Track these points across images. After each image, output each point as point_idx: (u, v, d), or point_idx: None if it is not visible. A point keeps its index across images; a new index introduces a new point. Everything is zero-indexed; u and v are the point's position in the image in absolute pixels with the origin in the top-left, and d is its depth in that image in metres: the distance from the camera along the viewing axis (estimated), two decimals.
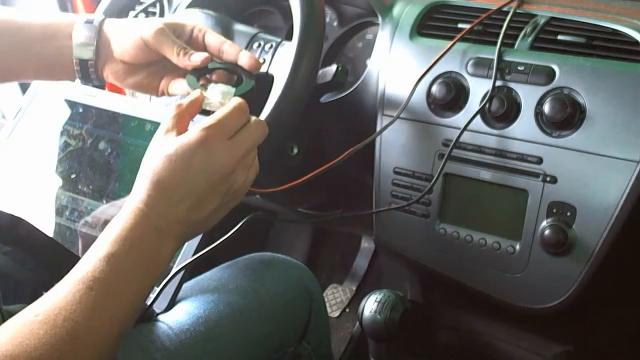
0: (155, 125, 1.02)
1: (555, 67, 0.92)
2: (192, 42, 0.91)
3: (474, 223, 1.00)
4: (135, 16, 1.24)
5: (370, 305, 1.02)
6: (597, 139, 0.89)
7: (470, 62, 0.98)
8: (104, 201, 1.00)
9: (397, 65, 1.05)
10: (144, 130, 1.02)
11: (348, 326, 1.55)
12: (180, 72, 0.92)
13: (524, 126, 0.94)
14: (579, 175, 0.90)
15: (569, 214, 0.91)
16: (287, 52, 0.94)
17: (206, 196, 0.71)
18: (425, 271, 1.07)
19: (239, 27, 1.10)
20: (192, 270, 0.91)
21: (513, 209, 0.96)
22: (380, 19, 1.10)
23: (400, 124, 1.03)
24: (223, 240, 0.90)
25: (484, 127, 0.97)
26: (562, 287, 0.94)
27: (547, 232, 0.92)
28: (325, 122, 1.15)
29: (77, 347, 0.60)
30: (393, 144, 1.04)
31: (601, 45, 0.93)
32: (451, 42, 0.99)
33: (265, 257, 1.01)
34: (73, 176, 1.01)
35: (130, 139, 1.01)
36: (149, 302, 0.85)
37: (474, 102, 0.97)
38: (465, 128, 0.96)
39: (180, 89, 0.91)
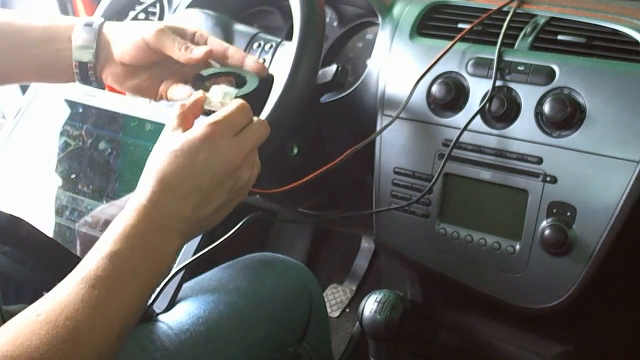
0: (156, 125, 1.02)
1: (555, 67, 0.92)
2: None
3: (474, 223, 1.00)
4: (135, 16, 1.24)
5: (370, 305, 1.02)
6: (597, 139, 0.89)
7: (470, 62, 0.98)
8: (104, 201, 1.00)
9: (397, 65, 1.05)
10: (144, 130, 1.02)
11: (348, 326, 1.55)
12: (180, 77, 0.92)
13: (524, 126, 0.94)
14: (579, 175, 0.90)
15: (569, 214, 0.91)
16: (287, 52, 0.94)
17: (211, 193, 0.70)
18: (425, 271, 1.07)
19: (239, 27, 1.10)
20: (192, 270, 0.91)
21: (513, 209, 0.96)
22: (380, 19, 1.10)
23: (400, 124, 1.03)
24: (223, 240, 0.90)
25: (484, 127, 0.97)
26: (562, 287, 0.94)
27: (547, 232, 0.92)
28: (325, 122, 1.15)
29: (79, 347, 0.60)
30: (393, 144, 1.04)
31: (601, 45, 0.93)
32: (451, 42, 0.99)
33: (265, 258, 1.01)
34: (73, 176, 1.01)
35: (131, 139, 1.01)
36: (149, 302, 0.85)
37: (474, 102, 0.97)
38: (465, 128, 0.96)
39: (180, 94, 0.90)
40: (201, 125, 0.70)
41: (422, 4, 1.07)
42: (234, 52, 0.90)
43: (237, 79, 0.90)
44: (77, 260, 0.73)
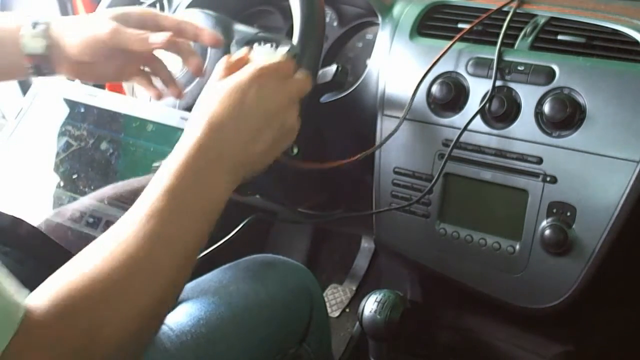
0: (157, 125, 1.02)
1: (555, 67, 0.92)
2: (147, 27, 0.91)
3: (474, 223, 1.00)
4: None
5: (370, 305, 1.02)
6: (597, 139, 0.89)
7: (470, 62, 0.98)
8: (105, 202, 1.00)
9: (397, 65, 1.05)
10: (145, 130, 1.02)
11: (348, 326, 1.55)
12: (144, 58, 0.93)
13: (524, 126, 0.94)
14: (579, 175, 0.90)
15: (569, 214, 0.91)
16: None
17: (259, 132, 0.72)
18: (425, 271, 1.07)
19: (239, 27, 1.10)
20: (193, 271, 0.91)
21: (513, 209, 0.96)
22: (380, 19, 1.10)
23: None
24: (224, 242, 0.90)
25: (484, 127, 0.97)
26: (562, 287, 0.94)
27: (547, 232, 0.92)
28: (325, 122, 1.15)
29: (136, 283, 0.60)
30: (393, 144, 1.04)
31: (601, 45, 0.93)
32: (451, 42, 0.99)
33: (266, 259, 1.01)
34: (74, 176, 1.01)
35: (132, 139, 1.01)
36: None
37: (474, 102, 0.97)
38: (465, 128, 0.96)
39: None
40: (249, 68, 0.73)
41: (422, 4, 1.07)
42: (186, 25, 0.91)
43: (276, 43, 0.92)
44: (71, 254, 0.73)
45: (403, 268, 1.21)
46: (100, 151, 1.00)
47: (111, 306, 0.59)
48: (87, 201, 0.98)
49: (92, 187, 1.00)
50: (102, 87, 1.19)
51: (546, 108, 0.91)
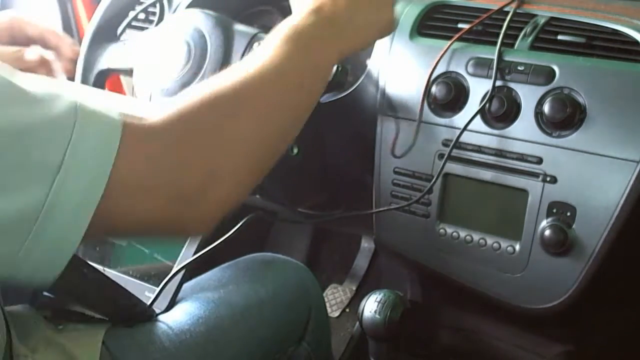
0: None
1: (555, 67, 0.92)
2: (15, 35, 0.91)
3: (474, 223, 1.00)
4: (135, 16, 1.24)
5: (370, 305, 1.02)
6: (597, 139, 0.89)
7: (470, 62, 0.98)
8: None
9: (397, 65, 1.04)
10: None
11: (348, 326, 1.55)
12: None
13: (524, 126, 0.94)
14: (579, 175, 0.90)
15: (569, 214, 0.91)
16: None
17: (361, 5, 0.79)
18: (425, 271, 1.07)
19: (239, 27, 1.10)
20: (193, 270, 0.91)
21: (513, 209, 0.96)
22: None
23: (400, 123, 1.03)
24: (223, 240, 0.90)
25: (484, 127, 0.97)
26: (562, 287, 0.94)
27: (547, 232, 0.92)
28: (325, 122, 1.15)
29: (249, 118, 0.65)
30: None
31: (601, 45, 0.93)
32: (450, 42, 0.99)
33: (265, 258, 1.01)
34: None
35: None
36: (148, 302, 0.85)
37: (474, 102, 0.97)
38: (465, 128, 0.96)
39: None
40: None
41: (422, 4, 1.07)
42: (50, 35, 0.93)
43: None
44: (77, 259, 0.73)
45: (403, 268, 1.21)
46: None
47: (224, 135, 0.62)
48: None
49: None
50: (101, 87, 1.19)
51: (546, 108, 0.91)
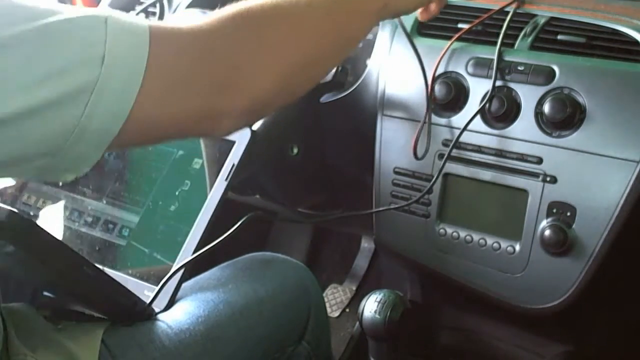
0: None
1: (555, 67, 0.92)
2: None
3: (474, 223, 1.00)
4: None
5: (370, 305, 1.02)
6: (597, 139, 0.89)
7: (471, 62, 0.98)
8: (104, 201, 1.00)
9: (397, 65, 1.04)
10: None
11: (348, 326, 1.55)
12: None
13: (524, 126, 0.94)
14: (579, 175, 0.90)
15: (569, 214, 0.91)
16: None
17: None
18: (425, 271, 1.07)
19: None
20: (192, 269, 0.91)
21: (513, 209, 0.96)
22: None
23: (400, 123, 1.03)
24: (223, 239, 0.90)
25: (484, 127, 0.97)
26: (562, 287, 0.94)
27: (547, 232, 0.92)
28: (325, 122, 1.15)
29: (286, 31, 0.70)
30: (393, 144, 1.04)
31: (601, 45, 0.93)
32: (450, 42, 0.99)
33: (265, 257, 1.01)
34: None
35: None
36: (148, 301, 0.85)
37: (474, 102, 0.97)
38: (465, 128, 0.96)
39: None
40: None
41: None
42: None
43: None
44: (78, 257, 0.73)
45: (403, 268, 1.21)
46: None
47: (256, 37, 0.66)
48: (85, 201, 0.98)
49: (91, 187, 1.01)
50: None
51: (546, 108, 0.91)
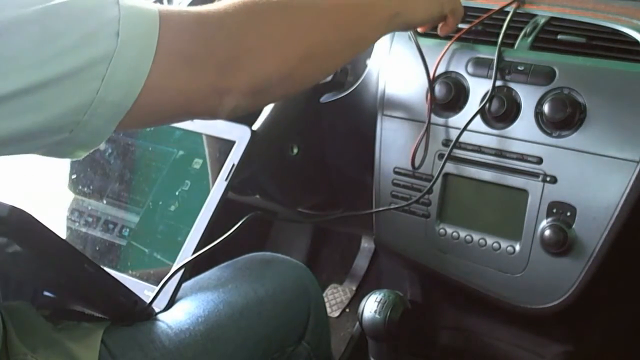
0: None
1: (555, 67, 0.92)
2: None
3: (474, 223, 1.00)
4: None
5: (370, 305, 1.01)
6: (597, 139, 0.89)
7: (470, 62, 0.98)
8: (104, 201, 1.00)
9: (397, 65, 1.04)
10: (144, 130, 1.02)
11: (348, 326, 1.55)
12: None
13: (524, 126, 0.94)
14: (579, 175, 0.90)
15: (569, 214, 0.91)
16: None
17: None
18: (425, 271, 1.07)
19: None
20: (192, 269, 0.91)
21: (513, 209, 0.96)
22: None
23: (400, 123, 1.03)
24: (223, 239, 0.90)
25: (484, 127, 0.97)
26: (562, 287, 0.94)
27: (547, 232, 0.92)
28: (325, 122, 1.15)
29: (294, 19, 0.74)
30: (393, 144, 1.04)
31: (601, 45, 0.93)
32: (450, 42, 0.99)
33: (265, 257, 1.01)
34: (74, 177, 1.01)
35: (130, 139, 1.01)
36: (148, 301, 0.85)
37: (474, 102, 0.97)
38: (465, 128, 0.96)
39: None
40: None
41: None
42: None
43: None
44: (79, 254, 0.73)
45: (403, 268, 1.21)
46: (99, 151, 1.00)
47: (260, 19, 0.69)
48: (86, 201, 0.98)
49: (91, 187, 1.01)
50: None
51: (546, 108, 0.91)
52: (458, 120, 0.98)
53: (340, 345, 1.44)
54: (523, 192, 0.94)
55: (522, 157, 0.94)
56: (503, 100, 0.94)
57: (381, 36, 0.87)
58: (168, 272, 0.88)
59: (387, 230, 1.09)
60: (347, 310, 1.61)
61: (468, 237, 1.00)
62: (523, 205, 0.95)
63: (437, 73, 1.00)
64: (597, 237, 0.90)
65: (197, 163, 0.98)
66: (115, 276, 0.81)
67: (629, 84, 0.88)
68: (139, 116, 0.64)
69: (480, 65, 0.97)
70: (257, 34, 0.69)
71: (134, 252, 0.97)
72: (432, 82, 0.99)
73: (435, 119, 1.00)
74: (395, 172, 1.04)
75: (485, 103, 0.95)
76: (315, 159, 1.18)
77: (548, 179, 0.92)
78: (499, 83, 0.95)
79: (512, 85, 0.95)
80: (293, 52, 0.72)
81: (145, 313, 0.84)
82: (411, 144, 1.02)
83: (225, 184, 0.93)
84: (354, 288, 1.64)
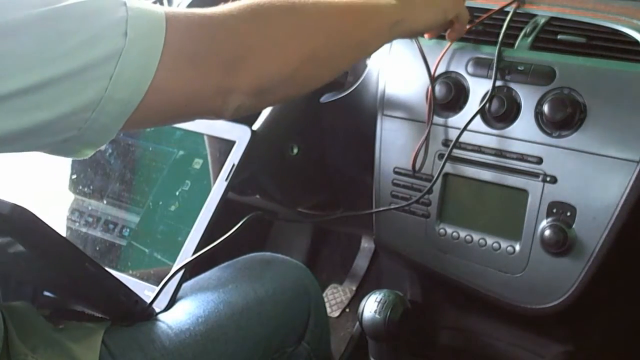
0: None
1: (555, 67, 0.92)
2: None
3: (474, 223, 1.00)
4: None
5: (370, 305, 1.01)
6: (597, 139, 0.89)
7: (470, 62, 0.98)
8: (104, 201, 1.00)
9: (397, 65, 1.05)
10: (144, 131, 1.02)
11: (348, 326, 1.55)
12: None
13: (524, 126, 0.94)
14: (579, 175, 0.90)
15: (569, 214, 0.91)
16: None
17: None
18: (425, 271, 1.07)
19: None
20: (192, 269, 0.91)
21: (513, 209, 0.96)
22: None
23: (400, 123, 1.03)
24: (223, 240, 0.90)
25: (484, 127, 0.97)
26: (562, 287, 0.94)
27: (547, 232, 0.92)
28: (325, 122, 1.15)
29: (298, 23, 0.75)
30: (393, 144, 1.04)
31: (601, 45, 0.93)
32: (450, 42, 0.99)
33: (264, 257, 1.01)
34: (74, 177, 1.01)
35: (130, 139, 1.01)
36: (148, 301, 0.85)
37: (474, 102, 0.97)
38: (465, 128, 0.96)
39: None
40: None
41: None
42: None
43: None
44: (79, 253, 0.73)
45: (403, 268, 1.21)
46: (100, 151, 1.00)
47: (263, 19, 0.70)
48: (86, 201, 0.98)
49: (91, 187, 1.01)
50: None
51: (546, 108, 0.91)
52: (458, 120, 0.98)
53: (340, 345, 1.44)
54: (523, 192, 0.94)
55: (522, 157, 0.94)
56: (503, 100, 0.94)
57: (384, 43, 0.87)
58: (168, 272, 0.88)
59: (387, 230, 1.09)
60: (347, 310, 1.61)
61: (468, 237, 1.00)
62: (523, 206, 0.95)
63: (437, 73, 1.00)
64: (597, 237, 0.90)
65: (197, 163, 0.98)
66: (116, 276, 0.81)
67: (629, 84, 0.88)
68: (146, 115, 0.65)
69: (480, 65, 0.97)
70: (261, 35, 0.70)
71: (134, 252, 0.97)
72: (433, 81, 0.99)
73: (435, 119, 1.00)
74: (395, 172, 1.04)
75: (485, 103, 0.95)
76: (315, 159, 1.18)
77: (548, 179, 0.92)
78: (499, 83, 0.95)
79: (512, 85, 0.95)
80: (295, 54, 0.73)
81: (145, 313, 0.84)
82: (411, 144, 1.02)
83: (225, 184, 0.93)
84: (354, 288, 1.64)
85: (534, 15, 1.00)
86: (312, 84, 0.81)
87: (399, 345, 1.06)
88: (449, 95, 0.98)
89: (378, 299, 1.02)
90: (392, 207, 1.04)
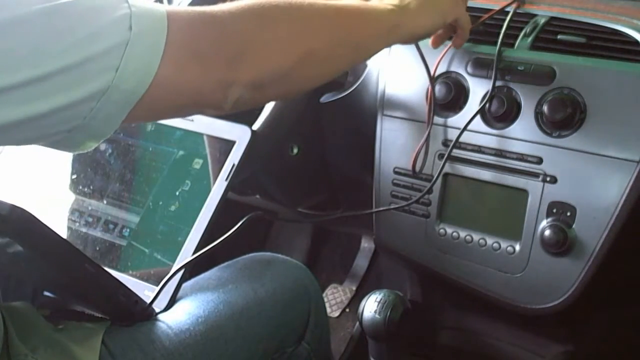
0: (157, 125, 1.02)
1: (555, 67, 0.92)
2: None
3: (474, 223, 1.00)
4: None
5: (370, 305, 1.01)
6: (597, 139, 0.89)
7: (470, 62, 0.98)
8: (104, 201, 1.00)
9: (397, 65, 1.05)
10: (144, 130, 1.03)
11: (348, 326, 1.55)
12: None
13: (524, 126, 0.94)
14: (579, 175, 0.90)
15: (569, 214, 0.91)
16: None
17: None
18: (425, 271, 1.07)
19: None
20: (192, 269, 0.91)
21: (513, 209, 0.96)
22: None
23: (400, 123, 1.03)
24: (223, 240, 0.90)
25: (484, 127, 0.97)
26: (562, 287, 0.94)
27: (547, 232, 0.92)
28: (325, 122, 1.15)
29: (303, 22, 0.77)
30: (393, 144, 1.04)
31: (601, 45, 0.93)
32: (450, 42, 0.99)
33: (264, 257, 1.01)
34: (74, 177, 1.01)
35: (131, 139, 1.01)
36: (148, 301, 0.85)
37: (474, 102, 0.97)
38: (465, 128, 0.96)
39: None
40: None
41: None
42: None
43: None
44: (79, 254, 0.73)
45: (403, 268, 1.21)
46: (100, 151, 1.00)
47: (263, 14, 0.72)
48: (86, 201, 0.98)
49: (91, 187, 1.01)
50: None
51: (546, 108, 0.91)
52: (458, 120, 0.98)
53: (340, 345, 1.44)
54: (523, 192, 0.94)
55: (522, 157, 0.94)
56: (503, 100, 0.94)
57: (383, 47, 0.88)
58: (168, 272, 0.88)
59: (387, 230, 1.09)
60: (347, 310, 1.61)
61: (468, 237, 1.00)
62: (523, 205, 0.95)
63: (437, 73, 1.00)
64: (597, 237, 0.90)
65: (197, 163, 0.98)
66: (116, 276, 0.81)
67: (629, 84, 0.88)
68: (149, 107, 0.66)
69: (480, 65, 0.97)
70: (261, 32, 0.72)
71: (134, 252, 0.97)
72: (433, 81, 0.99)
73: (435, 119, 1.00)
74: (395, 172, 1.04)
75: (485, 103, 0.95)
76: (315, 159, 1.18)
77: (548, 179, 0.92)
78: (499, 83, 0.95)
79: (512, 85, 0.95)
80: (294, 51, 0.75)
81: (145, 313, 0.84)
82: (411, 144, 1.02)
83: (225, 184, 0.93)
84: (354, 288, 1.64)
85: (534, 15, 1.00)
86: (310, 83, 0.82)
87: (399, 345, 1.06)
88: (449, 95, 0.98)
89: (378, 299, 1.02)
90: (392, 207, 1.04)
